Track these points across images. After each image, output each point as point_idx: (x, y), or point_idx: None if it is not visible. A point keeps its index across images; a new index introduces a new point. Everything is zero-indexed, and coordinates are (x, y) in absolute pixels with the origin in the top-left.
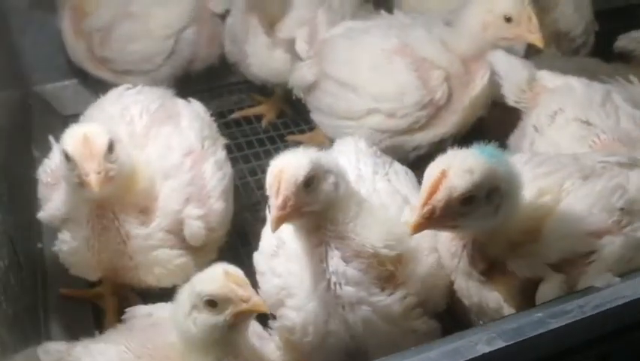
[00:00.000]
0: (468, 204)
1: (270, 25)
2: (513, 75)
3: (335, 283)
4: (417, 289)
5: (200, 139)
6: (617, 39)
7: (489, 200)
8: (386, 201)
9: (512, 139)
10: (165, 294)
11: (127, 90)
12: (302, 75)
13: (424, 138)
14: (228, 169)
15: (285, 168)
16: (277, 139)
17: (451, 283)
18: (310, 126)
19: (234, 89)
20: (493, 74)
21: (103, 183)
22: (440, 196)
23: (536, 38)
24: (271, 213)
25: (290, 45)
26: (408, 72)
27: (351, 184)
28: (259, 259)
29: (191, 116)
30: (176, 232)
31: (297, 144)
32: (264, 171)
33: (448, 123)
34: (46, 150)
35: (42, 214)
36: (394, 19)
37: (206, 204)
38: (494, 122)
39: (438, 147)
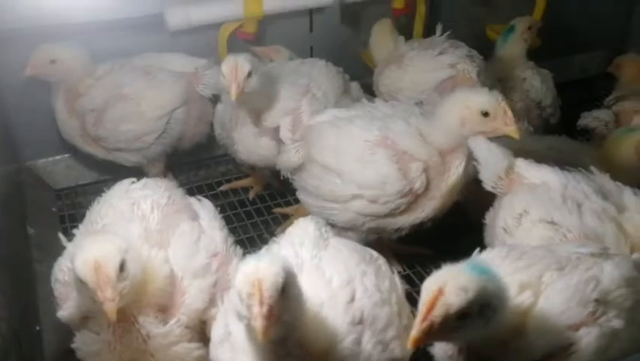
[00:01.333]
0: (462, 318)
1: (257, 116)
2: (492, 163)
3: None
4: None
5: (224, 240)
6: (580, 116)
7: (481, 314)
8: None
9: (488, 218)
10: None
11: (132, 184)
12: (288, 158)
13: (405, 220)
14: None
15: (263, 276)
16: (264, 211)
17: None
18: (296, 198)
19: (222, 161)
20: (472, 159)
21: (117, 305)
22: (437, 313)
23: (512, 130)
24: (259, 324)
25: (275, 133)
26: (389, 164)
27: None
28: (210, 348)
29: (210, 216)
30: (194, 327)
31: (284, 216)
32: (252, 244)
33: (427, 208)
34: (40, 226)
35: (61, 313)
36: (376, 110)
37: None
38: (473, 201)
39: (418, 228)
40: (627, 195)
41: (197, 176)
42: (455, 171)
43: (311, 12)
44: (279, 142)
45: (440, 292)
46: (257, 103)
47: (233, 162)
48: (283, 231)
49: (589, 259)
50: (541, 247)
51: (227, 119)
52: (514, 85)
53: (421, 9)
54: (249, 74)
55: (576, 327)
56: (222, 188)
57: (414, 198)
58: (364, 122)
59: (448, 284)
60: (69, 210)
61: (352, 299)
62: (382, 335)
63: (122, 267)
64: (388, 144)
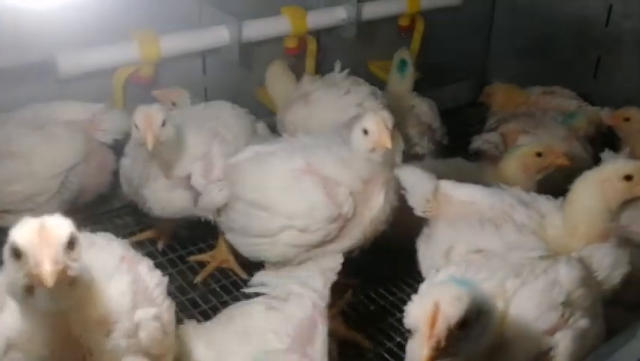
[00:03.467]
0: (463, 328)
1: (168, 167)
2: (419, 187)
3: None
4: None
5: (125, 249)
6: (468, 140)
7: (478, 321)
8: None
9: (419, 242)
10: None
11: None
12: (211, 199)
13: (334, 249)
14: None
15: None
16: (178, 261)
17: None
18: (208, 244)
19: (121, 213)
20: (393, 181)
21: (60, 280)
22: (440, 327)
23: (386, 141)
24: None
25: (187, 182)
26: (316, 190)
27: None
28: None
29: (102, 235)
30: (134, 337)
31: (201, 264)
32: (172, 297)
33: (354, 236)
34: None
35: None
36: (297, 142)
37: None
38: (400, 230)
39: (347, 256)
40: (541, 202)
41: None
42: (376, 202)
43: (204, 54)
44: (193, 191)
45: (437, 307)
46: (169, 153)
47: (132, 214)
48: (203, 279)
49: (540, 262)
50: (493, 257)
51: (136, 175)
52: (406, 113)
53: (312, 47)
54: (164, 123)
55: (551, 332)
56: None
57: (343, 223)
58: (286, 154)
59: (442, 298)
60: None
61: None
62: None
63: (71, 243)
64: (313, 171)
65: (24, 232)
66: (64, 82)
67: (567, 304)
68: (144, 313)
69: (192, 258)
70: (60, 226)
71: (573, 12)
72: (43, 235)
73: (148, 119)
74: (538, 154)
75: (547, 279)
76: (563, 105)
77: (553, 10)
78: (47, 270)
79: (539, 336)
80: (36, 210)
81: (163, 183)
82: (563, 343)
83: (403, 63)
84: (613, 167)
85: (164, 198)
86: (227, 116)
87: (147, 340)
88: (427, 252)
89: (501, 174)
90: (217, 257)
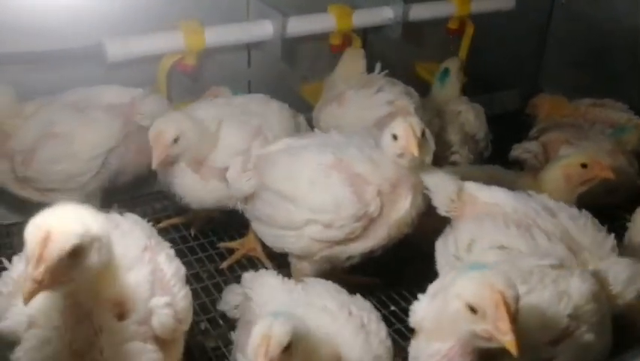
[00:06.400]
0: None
1: (198, 163)
2: (443, 187)
3: None
4: None
5: (147, 236)
6: (511, 148)
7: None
8: None
9: (439, 244)
10: None
11: None
12: (240, 187)
13: (357, 249)
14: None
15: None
16: (208, 246)
17: None
18: (240, 232)
19: (159, 197)
20: (424, 188)
21: (35, 292)
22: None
23: (413, 149)
24: None
25: (223, 173)
26: (343, 187)
27: None
28: None
29: (131, 220)
30: (147, 324)
31: (230, 251)
32: (198, 280)
33: (377, 236)
34: None
35: (4, 324)
36: (329, 138)
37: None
38: (422, 233)
39: (369, 256)
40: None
41: (135, 213)
42: (403, 205)
43: (249, 47)
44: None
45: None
46: (196, 153)
47: (171, 198)
48: (229, 266)
49: (551, 271)
50: (503, 261)
51: (166, 173)
52: (450, 119)
53: (357, 45)
54: (176, 140)
55: (554, 342)
56: (161, 225)
57: (368, 223)
58: (318, 148)
59: None
60: None
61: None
62: None
63: (74, 253)
64: (342, 167)
65: (31, 236)
66: (110, 67)
67: (574, 317)
68: (157, 301)
69: (222, 244)
70: (64, 239)
71: (631, 23)
72: (44, 246)
73: (157, 137)
74: (584, 165)
75: (556, 289)
76: (613, 118)
77: (611, 20)
78: (26, 287)
79: (542, 346)
80: (80, 189)
81: (191, 178)
82: (564, 355)
83: (445, 72)
84: None
85: (199, 191)
86: (272, 114)
87: (159, 327)
88: (446, 249)
89: (540, 184)
90: (246, 245)
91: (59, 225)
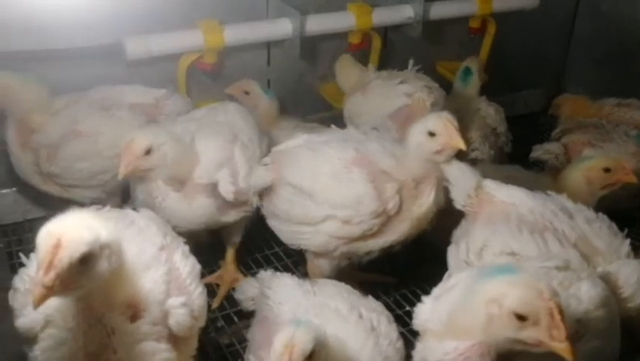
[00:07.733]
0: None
1: (181, 181)
2: (462, 181)
3: None
4: None
5: (164, 233)
6: (531, 149)
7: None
8: None
9: (453, 240)
10: None
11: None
12: (262, 176)
13: (376, 244)
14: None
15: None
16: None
17: None
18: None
19: None
20: (444, 180)
21: (44, 298)
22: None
23: (459, 142)
24: None
25: (210, 189)
26: (365, 183)
27: None
28: None
29: (146, 217)
30: (162, 324)
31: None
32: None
33: (397, 231)
34: None
35: (22, 320)
36: (348, 134)
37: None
38: (439, 230)
39: (387, 251)
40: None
41: None
42: (426, 200)
43: (269, 45)
44: (218, 198)
45: None
46: (175, 172)
47: None
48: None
49: (557, 273)
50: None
51: (147, 194)
52: (471, 116)
53: (377, 44)
54: (148, 152)
55: None
56: None
57: (386, 219)
58: (339, 144)
59: None
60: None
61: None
62: None
63: (85, 260)
64: (365, 163)
65: (43, 242)
66: (130, 65)
67: (583, 322)
68: (174, 301)
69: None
70: (74, 246)
71: None
72: (54, 253)
73: (128, 146)
74: (607, 169)
75: (565, 293)
76: (638, 119)
77: (638, 19)
78: (36, 292)
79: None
80: (102, 186)
81: (174, 198)
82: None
83: (467, 71)
84: None
85: (184, 211)
86: (238, 118)
87: (176, 326)
88: (457, 254)
89: (560, 185)
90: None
91: (70, 232)
